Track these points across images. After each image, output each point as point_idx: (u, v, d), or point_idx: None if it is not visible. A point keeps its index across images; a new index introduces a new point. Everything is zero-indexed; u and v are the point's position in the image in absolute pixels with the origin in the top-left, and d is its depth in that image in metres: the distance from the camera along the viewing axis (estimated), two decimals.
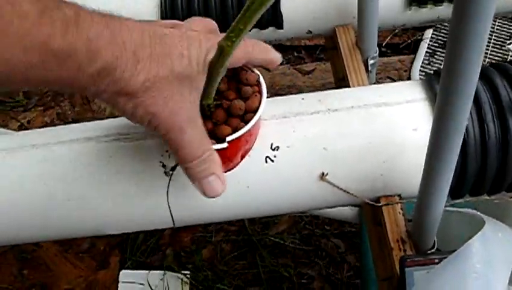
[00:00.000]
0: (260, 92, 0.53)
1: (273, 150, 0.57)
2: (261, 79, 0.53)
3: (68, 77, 0.40)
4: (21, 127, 1.69)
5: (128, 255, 1.42)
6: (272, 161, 0.57)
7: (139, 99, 0.44)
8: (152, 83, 0.43)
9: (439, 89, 0.41)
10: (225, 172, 0.54)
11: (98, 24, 0.41)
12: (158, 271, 1.37)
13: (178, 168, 0.57)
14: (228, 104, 0.51)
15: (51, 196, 0.59)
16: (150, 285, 1.34)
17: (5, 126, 1.70)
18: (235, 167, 0.56)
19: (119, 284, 1.36)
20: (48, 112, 1.74)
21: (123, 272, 1.38)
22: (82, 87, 0.42)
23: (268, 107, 0.59)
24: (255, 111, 0.51)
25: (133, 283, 1.35)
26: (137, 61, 0.42)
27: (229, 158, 0.53)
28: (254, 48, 0.52)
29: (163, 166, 0.58)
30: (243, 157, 0.56)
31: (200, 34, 0.48)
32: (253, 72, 0.53)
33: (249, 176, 0.58)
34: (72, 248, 1.45)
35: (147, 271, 1.36)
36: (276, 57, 0.54)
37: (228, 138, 0.50)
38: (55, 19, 0.38)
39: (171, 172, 0.57)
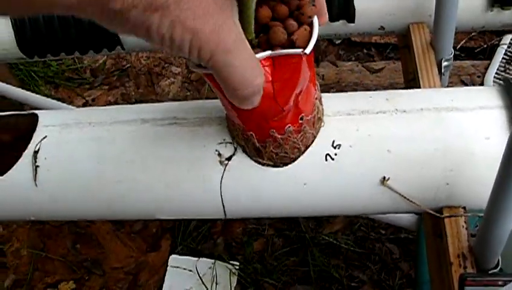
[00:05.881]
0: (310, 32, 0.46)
1: (335, 148, 0.55)
2: (315, 19, 0.46)
3: None
4: (85, 104, 1.72)
5: (179, 240, 1.42)
6: (332, 159, 0.55)
7: (174, 13, 0.37)
8: None
9: None
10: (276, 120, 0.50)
11: None
12: (207, 259, 1.36)
13: (234, 158, 0.56)
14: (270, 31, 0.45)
15: (102, 176, 0.58)
16: (198, 272, 1.34)
17: (71, 102, 1.73)
18: (284, 112, 0.50)
19: (168, 268, 1.36)
20: (113, 92, 1.76)
21: (173, 256, 1.39)
22: (106, 1, 0.36)
23: (333, 103, 0.57)
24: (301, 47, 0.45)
25: (182, 268, 1.35)
26: None
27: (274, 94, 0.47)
28: None
29: (219, 155, 0.56)
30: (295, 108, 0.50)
31: None
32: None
33: (307, 173, 0.55)
34: (125, 227, 1.47)
35: (197, 258, 1.36)
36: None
37: (265, 53, 0.44)
38: None
39: (226, 162, 0.56)
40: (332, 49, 1.72)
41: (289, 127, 0.52)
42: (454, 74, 1.57)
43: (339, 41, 1.73)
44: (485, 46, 1.66)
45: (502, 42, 1.61)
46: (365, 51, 1.73)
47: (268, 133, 0.52)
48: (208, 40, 0.38)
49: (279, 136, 0.52)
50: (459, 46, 1.66)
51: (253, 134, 0.53)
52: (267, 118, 0.50)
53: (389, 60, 1.68)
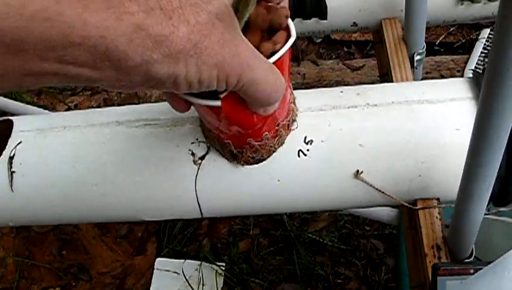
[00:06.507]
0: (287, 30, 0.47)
1: (307, 143, 0.55)
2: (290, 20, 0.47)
3: (97, 37, 0.34)
4: (68, 110, 1.71)
5: (165, 243, 1.42)
6: (305, 154, 0.55)
7: (196, 57, 0.38)
8: (197, 32, 0.37)
9: (483, 83, 0.38)
10: None
11: None
12: (193, 261, 1.36)
13: (207, 157, 0.56)
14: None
15: (78, 179, 0.59)
16: (184, 274, 1.34)
17: (53, 109, 1.72)
18: None
19: (154, 272, 1.36)
20: (95, 97, 1.76)
21: (159, 259, 1.38)
22: (124, 55, 0.35)
23: (304, 99, 0.57)
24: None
25: (168, 271, 1.35)
26: (169, 17, 0.36)
27: None
28: None
29: (193, 154, 0.56)
30: None
31: None
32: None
33: (280, 169, 0.56)
34: (111, 232, 1.46)
35: (183, 260, 1.36)
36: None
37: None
38: None
39: (199, 161, 0.56)
40: (312, 48, 1.73)
41: (266, 134, 0.52)
42: (434, 69, 1.58)
43: (319, 40, 1.74)
44: (464, 40, 1.67)
45: (480, 36, 1.62)
46: (345, 49, 1.74)
47: (245, 141, 0.52)
48: (232, 67, 0.39)
49: (256, 143, 0.53)
50: (438, 42, 1.67)
51: (230, 142, 0.53)
52: (246, 130, 0.50)
53: (369, 57, 1.69)
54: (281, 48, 0.45)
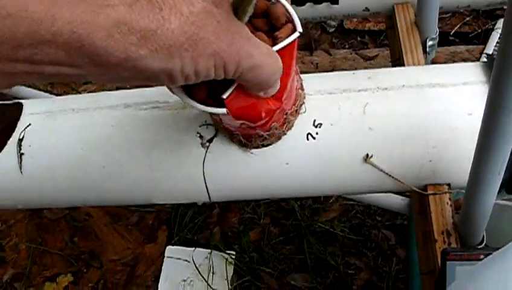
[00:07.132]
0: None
1: (316, 126, 0.54)
2: (291, 10, 0.46)
3: (70, 33, 0.32)
4: None
5: (175, 231, 1.42)
6: (314, 138, 0.54)
7: (190, 49, 0.36)
8: (191, 24, 0.35)
9: (494, 68, 0.37)
10: None
11: None
12: (204, 249, 1.36)
13: (215, 140, 0.55)
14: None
15: (86, 161, 0.58)
16: (194, 262, 1.34)
17: None
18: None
19: (165, 259, 1.36)
20: (108, 85, 1.75)
21: (169, 247, 1.38)
22: (104, 51, 0.33)
23: (314, 82, 0.57)
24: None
25: (178, 259, 1.35)
26: (160, 9, 0.34)
27: None
28: None
29: (201, 137, 0.56)
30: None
31: None
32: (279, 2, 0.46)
33: (289, 153, 0.55)
34: (122, 220, 1.47)
35: (193, 248, 1.36)
36: None
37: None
38: None
39: (207, 144, 0.56)
40: (325, 38, 1.72)
41: (274, 124, 0.52)
42: (449, 58, 1.56)
43: (332, 30, 1.72)
44: (480, 30, 1.65)
45: (496, 26, 1.59)
46: (359, 38, 1.72)
47: (254, 132, 0.52)
48: (229, 55, 0.38)
49: (265, 133, 0.52)
50: (453, 31, 1.65)
51: (239, 133, 0.53)
52: (254, 124, 0.49)
53: (382, 47, 1.67)
54: (284, 39, 0.45)
